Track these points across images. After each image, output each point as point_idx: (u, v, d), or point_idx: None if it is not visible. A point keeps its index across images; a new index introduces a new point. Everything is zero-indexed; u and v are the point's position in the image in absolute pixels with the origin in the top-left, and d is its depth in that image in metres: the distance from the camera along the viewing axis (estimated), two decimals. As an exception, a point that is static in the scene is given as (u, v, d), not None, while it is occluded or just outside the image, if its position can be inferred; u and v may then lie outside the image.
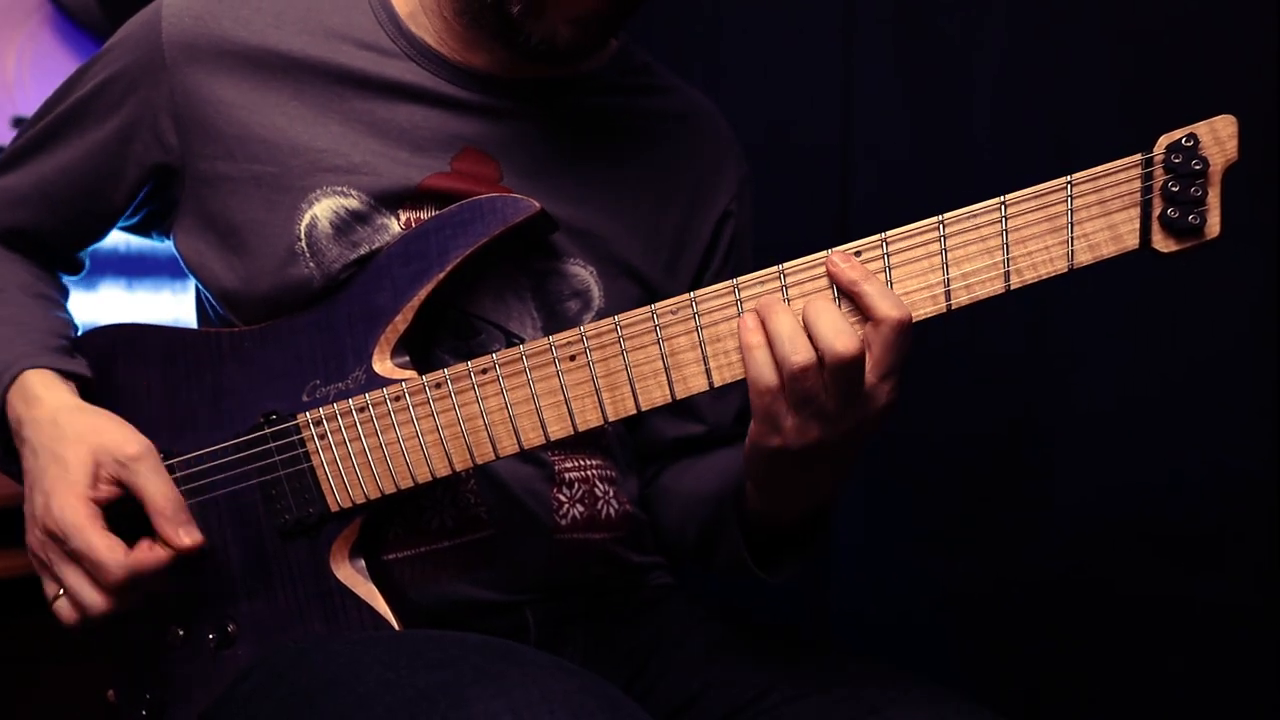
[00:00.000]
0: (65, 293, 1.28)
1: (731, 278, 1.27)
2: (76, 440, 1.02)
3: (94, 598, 1.00)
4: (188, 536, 1.01)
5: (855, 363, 0.88)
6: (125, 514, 1.02)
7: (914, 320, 0.92)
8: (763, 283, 0.94)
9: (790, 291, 0.94)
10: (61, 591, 1.01)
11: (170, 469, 1.09)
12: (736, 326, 0.95)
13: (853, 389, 0.89)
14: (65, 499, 0.99)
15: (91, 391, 1.13)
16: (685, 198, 1.26)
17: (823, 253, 0.93)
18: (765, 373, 0.91)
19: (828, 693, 1.04)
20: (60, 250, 1.25)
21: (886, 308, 0.90)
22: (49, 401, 1.06)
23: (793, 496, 1.02)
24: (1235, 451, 1.50)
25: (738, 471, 1.06)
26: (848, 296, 0.92)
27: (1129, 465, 1.59)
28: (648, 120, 1.27)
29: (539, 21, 1.07)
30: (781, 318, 0.90)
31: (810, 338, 0.89)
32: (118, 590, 0.99)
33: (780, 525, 1.06)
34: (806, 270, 0.93)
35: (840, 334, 0.88)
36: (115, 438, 1.03)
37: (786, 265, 0.94)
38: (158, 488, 1.02)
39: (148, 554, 1.00)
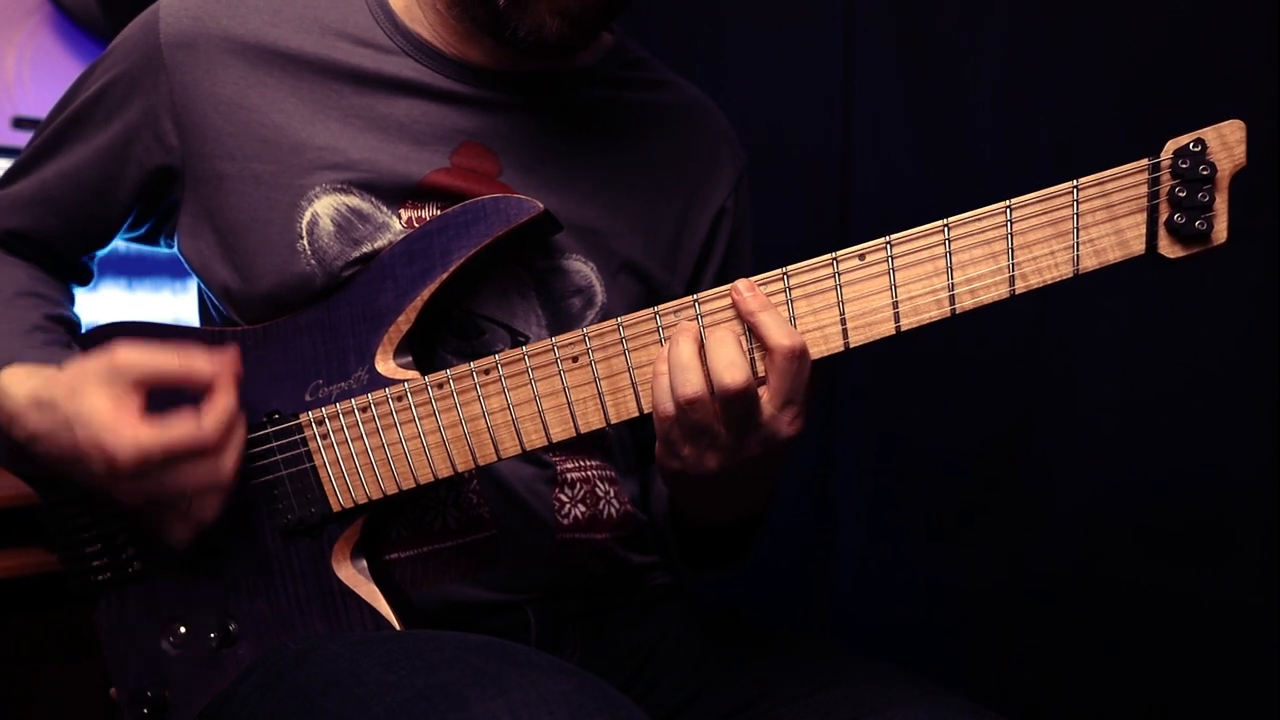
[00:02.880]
0: (68, 294, 1.27)
1: (731, 272, 1.29)
2: (70, 394, 1.00)
3: (216, 467, 0.99)
4: (228, 357, 1.01)
5: (744, 395, 0.89)
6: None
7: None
8: (766, 285, 0.94)
9: (794, 294, 0.94)
10: (186, 503, 1.00)
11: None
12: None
13: (745, 421, 0.91)
14: (112, 438, 0.97)
15: None
16: (683, 192, 1.26)
17: (828, 255, 0.93)
18: (663, 400, 0.93)
19: (828, 693, 1.04)
20: (64, 255, 1.24)
21: (778, 337, 0.91)
22: (20, 392, 1.04)
23: (706, 508, 1.05)
24: (1236, 450, 1.50)
25: None
26: (747, 326, 0.94)
27: (1130, 464, 1.59)
28: (645, 114, 1.27)
29: (525, 13, 1.06)
30: (680, 348, 0.92)
31: (706, 368, 0.91)
32: (227, 447, 1.00)
33: (710, 528, 1.11)
34: (810, 273, 0.94)
35: (730, 366, 0.89)
36: (98, 362, 1.01)
37: (791, 268, 0.94)
38: (168, 358, 1.00)
39: (218, 401, 1.00)
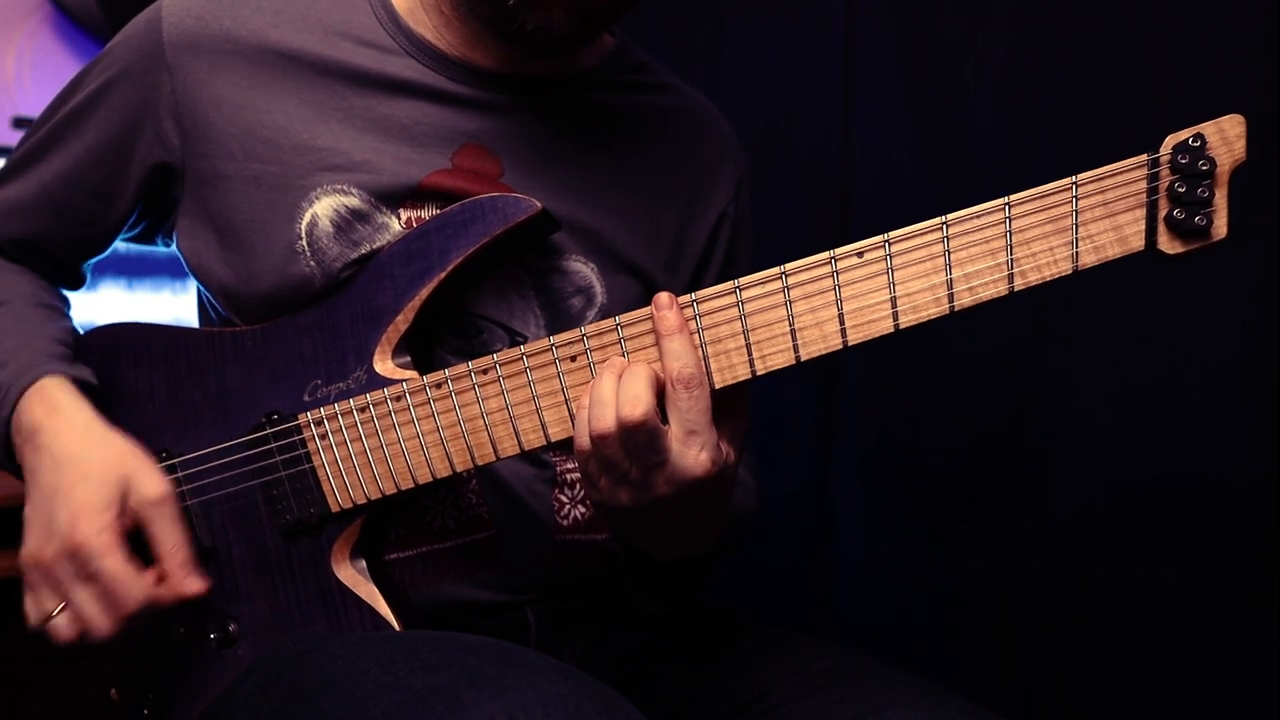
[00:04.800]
0: (67, 304, 1.26)
1: (731, 274, 1.29)
2: (105, 463, 1.02)
3: (102, 621, 0.99)
4: (195, 584, 1.01)
5: (641, 429, 0.90)
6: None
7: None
8: (764, 283, 0.94)
9: (792, 293, 0.94)
10: (61, 609, 1.00)
11: (172, 469, 1.09)
12: (735, 329, 0.95)
13: (648, 455, 0.91)
14: (95, 521, 0.98)
15: (98, 398, 1.12)
16: (684, 196, 1.26)
17: (826, 253, 0.93)
18: (581, 434, 0.94)
19: (828, 693, 1.04)
20: (63, 259, 1.24)
21: (670, 365, 0.92)
22: (76, 415, 1.06)
23: (640, 540, 1.05)
24: (1236, 450, 1.50)
25: None
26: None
27: (1129, 463, 1.59)
28: (647, 117, 1.26)
29: (533, 6, 1.06)
30: (601, 383, 0.93)
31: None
32: (128, 618, 0.99)
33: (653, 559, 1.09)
34: (808, 271, 0.93)
35: (629, 400, 0.90)
36: (144, 475, 1.02)
37: (789, 266, 0.94)
38: (173, 535, 1.01)
39: (161, 589, 1.00)
